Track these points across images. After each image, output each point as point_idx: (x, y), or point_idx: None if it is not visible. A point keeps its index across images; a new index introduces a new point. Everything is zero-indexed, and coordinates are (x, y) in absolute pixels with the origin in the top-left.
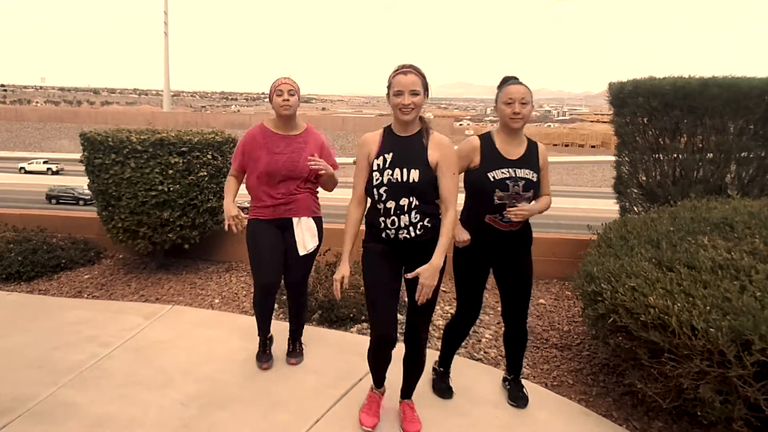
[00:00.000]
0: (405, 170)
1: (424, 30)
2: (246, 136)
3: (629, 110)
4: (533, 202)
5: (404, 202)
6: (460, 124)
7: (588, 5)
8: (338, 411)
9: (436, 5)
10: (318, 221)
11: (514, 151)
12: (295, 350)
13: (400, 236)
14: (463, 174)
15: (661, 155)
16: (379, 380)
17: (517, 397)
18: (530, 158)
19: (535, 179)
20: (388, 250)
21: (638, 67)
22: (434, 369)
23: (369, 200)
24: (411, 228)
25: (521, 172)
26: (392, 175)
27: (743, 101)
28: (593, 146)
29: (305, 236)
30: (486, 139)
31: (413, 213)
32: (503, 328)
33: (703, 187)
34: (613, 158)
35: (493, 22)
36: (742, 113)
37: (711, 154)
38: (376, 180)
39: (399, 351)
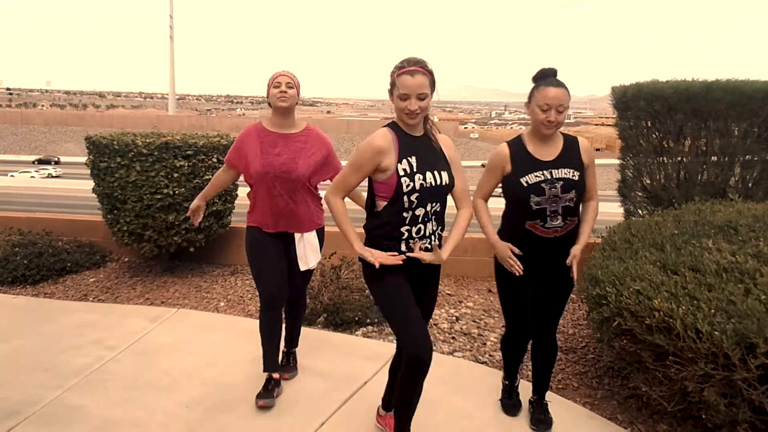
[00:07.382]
0: (436, 173)
1: (430, 33)
2: (242, 133)
3: (632, 114)
4: (584, 229)
5: (430, 207)
6: (465, 127)
7: (594, 8)
8: (343, 414)
9: (442, 8)
10: (320, 231)
11: (548, 151)
12: (288, 364)
13: (421, 246)
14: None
15: (665, 158)
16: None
17: (539, 421)
18: (569, 156)
19: (577, 178)
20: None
21: (643, 69)
22: (503, 382)
23: (374, 208)
24: (432, 237)
25: (559, 173)
26: (424, 179)
27: (747, 104)
28: (598, 149)
29: (307, 252)
30: (515, 143)
31: (435, 220)
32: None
33: (707, 190)
34: (617, 161)
35: (500, 24)
36: (746, 116)
37: (715, 158)
38: (407, 186)
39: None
